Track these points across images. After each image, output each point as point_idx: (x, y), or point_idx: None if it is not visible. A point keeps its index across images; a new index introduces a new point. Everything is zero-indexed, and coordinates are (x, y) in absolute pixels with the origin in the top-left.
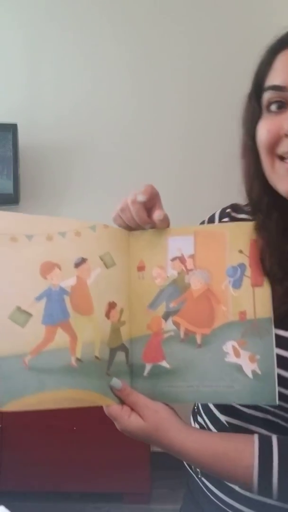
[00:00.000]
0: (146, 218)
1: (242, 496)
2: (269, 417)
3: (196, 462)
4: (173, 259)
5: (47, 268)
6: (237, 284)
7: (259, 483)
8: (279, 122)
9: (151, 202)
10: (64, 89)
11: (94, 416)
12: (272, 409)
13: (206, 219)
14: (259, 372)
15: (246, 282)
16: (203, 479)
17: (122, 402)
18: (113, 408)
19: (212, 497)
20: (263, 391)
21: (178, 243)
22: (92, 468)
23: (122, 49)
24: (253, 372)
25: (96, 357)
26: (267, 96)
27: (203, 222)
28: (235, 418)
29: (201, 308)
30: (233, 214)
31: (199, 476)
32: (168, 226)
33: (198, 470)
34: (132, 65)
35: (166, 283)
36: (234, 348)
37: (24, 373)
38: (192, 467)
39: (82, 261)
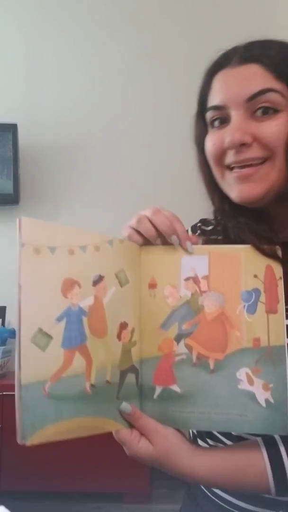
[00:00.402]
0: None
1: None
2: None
3: (208, 483)
4: (187, 279)
5: (69, 286)
6: (251, 310)
7: (276, 485)
8: (221, 136)
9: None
10: (64, 89)
11: None
12: None
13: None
14: (272, 401)
15: (261, 308)
16: None
17: (131, 426)
18: (122, 433)
19: (210, 494)
20: (275, 420)
21: (192, 263)
22: (92, 468)
23: (122, 49)
24: (266, 401)
25: (107, 382)
26: (209, 115)
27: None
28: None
29: (215, 332)
30: (203, 227)
31: None
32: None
33: None
34: (132, 66)
35: (179, 304)
36: (247, 375)
37: (44, 401)
38: None
39: (100, 279)
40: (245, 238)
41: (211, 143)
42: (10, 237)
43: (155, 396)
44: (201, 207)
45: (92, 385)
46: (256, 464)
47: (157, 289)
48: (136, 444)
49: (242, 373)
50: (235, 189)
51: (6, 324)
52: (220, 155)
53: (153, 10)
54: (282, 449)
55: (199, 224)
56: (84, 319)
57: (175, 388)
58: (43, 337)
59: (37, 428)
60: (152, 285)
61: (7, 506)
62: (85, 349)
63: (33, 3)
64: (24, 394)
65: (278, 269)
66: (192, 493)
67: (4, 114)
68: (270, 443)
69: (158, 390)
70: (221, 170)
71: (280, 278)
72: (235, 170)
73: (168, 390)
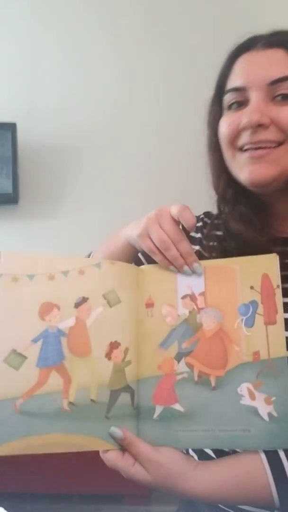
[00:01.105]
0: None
1: None
2: None
3: (212, 500)
4: (184, 297)
5: (46, 309)
6: (249, 323)
7: (280, 498)
8: (238, 118)
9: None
10: (63, 89)
11: None
12: None
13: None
14: (275, 415)
15: (259, 320)
16: None
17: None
18: (112, 457)
19: None
20: (280, 434)
21: (188, 280)
22: (93, 469)
23: (122, 50)
24: (269, 414)
25: (92, 400)
26: (228, 97)
27: None
28: None
29: (214, 348)
30: (206, 219)
31: None
32: None
33: None
34: (132, 66)
35: (178, 322)
36: (249, 390)
37: (15, 417)
38: None
39: (83, 300)
40: (235, 227)
41: (226, 124)
42: (10, 237)
43: (155, 416)
44: (201, 205)
45: (71, 403)
46: (258, 478)
47: (154, 308)
48: (130, 467)
49: (243, 388)
50: (246, 169)
51: None
52: (234, 136)
53: (149, 9)
54: (283, 455)
55: (202, 216)
56: (63, 340)
57: (178, 407)
58: (16, 357)
59: (4, 441)
60: (149, 305)
61: (6, 508)
62: (62, 368)
63: (33, 4)
64: None
65: (274, 277)
66: None
67: (3, 113)
68: (270, 453)
69: (159, 410)
70: (233, 151)
71: (278, 286)
72: (248, 151)
73: (170, 410)
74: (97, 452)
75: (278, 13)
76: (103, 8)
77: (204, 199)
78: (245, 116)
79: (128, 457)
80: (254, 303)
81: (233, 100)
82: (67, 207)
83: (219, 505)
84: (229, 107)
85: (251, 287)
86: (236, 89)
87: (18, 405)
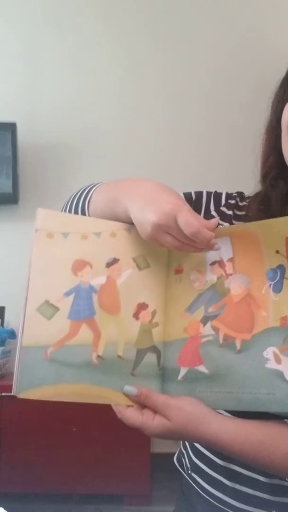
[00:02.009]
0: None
1: (231, 489)
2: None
3: (231, 452)
4: (212, 264)
5: (79, 265)
6: (277, 288)
7: None
8: None
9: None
10: (63, 89)
11: (94, 417)
12: None
13: (205, 192)
14: None
15: (287, 285)
16: (193, 474)
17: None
18: (133, 416)
19: (201, 492)
20: None
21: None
22: (92, 469)
23: (122, 50)
24: None
25: (119, 356)
26: None
27: (189, 195)
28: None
29: (241, 313)
30: (237, 199)
31: (190, 472)
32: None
33: (188, 466)
34: (132, 66)
35: (205, 288)
36: (275, 354)
37: (45, 364)
38: (184, 466)
39: (114, 261)
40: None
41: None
42: (9, 237)
43: (179, 377)
44: None
45: (99, 357)
46: (281, 444)
47: (183, 274)
48: (151, 423)
49: (269, 352)
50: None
51: (5, 325)
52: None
53: (150, 10)
54: None
55: (234, 195)
56: (94, 296)
57: (202, 368)
58: (49, 308)
59: (34, 386)
60: (179, 271)
61: (6, 508)
62: (93, 323)
63: (32, 4)
64: (23, 354)
65: None
66: (185, 495)
67: (3, 113)
68: None
69: (183, 371)
70: None
71: None
72: None
73: (194, 371)
74: (97, 452)
75: (278, 11)
76: (104, 9)
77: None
78: None
79: (148, 413)
80: (281, 267)
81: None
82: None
83: (218, 504)
84: None
85: (277, 251)
86: None
87: (49, 352)
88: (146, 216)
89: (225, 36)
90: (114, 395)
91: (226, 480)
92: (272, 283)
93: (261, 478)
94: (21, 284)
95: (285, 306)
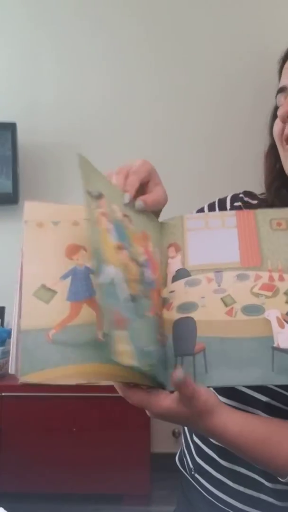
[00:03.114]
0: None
1: (232, 489)
2: (272, 402)
3: (235, 445)
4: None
5: (73, 250)
6: None
7: None
8: (281, 112)
9: (146, 178)
10: (63, 89)
11: (94, 418)
12: (277, 390)
13: (206, 206)
14: None
15: None
16: (196, 475)
17: (154, 383)
18: (140, 393)
19: (205, 493)
20: None
21: None
22: (92, 469)
23: (121, 49)
24: None
25: None
26: (277, 98)
27: (201, 210)
28: (235, 400)
29: None
30: (247, 199)
31: (193, 473)
32: (159, 204)
33: (191, 467)
34: (130, 65)
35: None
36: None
37: (48, 346)
38: (186, 466)
39: None
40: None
41: (276, 122)
42: (9, 237)
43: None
44: (199, 201)
45: (105, 334)
46: (285, 443)
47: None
48: (163, 400)
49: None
50: (285, 161)
51: (5, 325)
52: (281, 132)
53: (145, 8)
54: None
55: (241, 195)
56: (92, 276)
57: None
58: (46, 292)
59: (36, 369)
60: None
61: (6, 508)
62: (94, 302)
63: (33, 4)
64: (24, 338)
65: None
66: (186, 495)
67: (3, 113)
68: None
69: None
70: (282, 145)
71: None
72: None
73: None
74: (96, 452)
75: (279, 13)
76: (104, 9)
77: (203, 195)
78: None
79: (160, 391)
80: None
81: (280, 103)
82: None
83: (219, 504)
84: (277, 107)
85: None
86: (281, 89)
87: (51, 335)
88: None
89: (225, 37)
90: (125, 372)
91: (230, 482)
92: None
93: (266, 483)
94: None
95: None
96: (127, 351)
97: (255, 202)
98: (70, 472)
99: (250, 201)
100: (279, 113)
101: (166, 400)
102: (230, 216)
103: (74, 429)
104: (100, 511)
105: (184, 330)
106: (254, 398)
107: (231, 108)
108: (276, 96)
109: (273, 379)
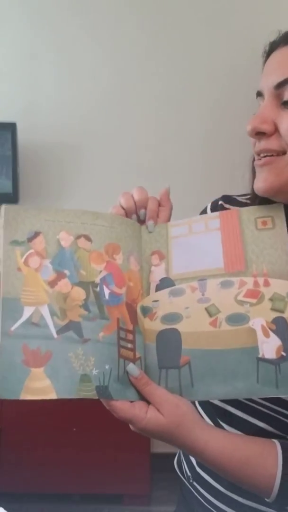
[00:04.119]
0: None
1: (231, 499)
2: (272, 413)
3: (217, 464)
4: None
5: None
6: None
7: (277, 495)
8: (248, 129)
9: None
10: (63, 89)
11: (94, 417)
12: (273, 406)
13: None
14: None
15: None
16: (194, 483)
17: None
18: (125, 407)
19: (202, 500)
20: None
21: None
22: (92, 469)
23: (121, 49)
24: None
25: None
26: (257, 103)
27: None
28: (238, 409)
29: None
30: (227, 206)
31: (191, 481)
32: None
33: (189, 475)
34: (130, 64)
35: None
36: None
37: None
38: (184, 473)
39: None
40: None
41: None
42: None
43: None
44: (200, 201)
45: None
46: (267, 466)
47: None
48: (143, 416)
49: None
50: (258, 178)
51: None
52: (254, 143)
53: (145, 8)
54: None
55: (220, 202)
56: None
57: None
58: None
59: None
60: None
61: (6, 508)
62: None
63: (33, 4)
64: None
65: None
66: (186, 499)
67: (3, 113)
68: (287, 448)
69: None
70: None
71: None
72: (258, 157)
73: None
74: (97, 452)
75: (278, 12)
76: (100, 8)
77: (204, 195)
78: (247, 124)
79: (141, 404)
80: None
81: (259, 105)
82: (67, 206)
83: (212, 509)
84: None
85: None
86: (258, 94)
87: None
88: None
89: (226, 36)
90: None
91: (228, 492)
92: None
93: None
94: None
95: None
96: (39, 387)
97: (235, 208)
98: (70, 472)
99: (231, 207)
100: (246, 127)
101: (149, 412)
102: (213, 219)
103: (74, 429)
104: (100, 511)
105: (168, 342)
106: (255, 408)
107: (231, 108)
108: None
109: (258, 392)
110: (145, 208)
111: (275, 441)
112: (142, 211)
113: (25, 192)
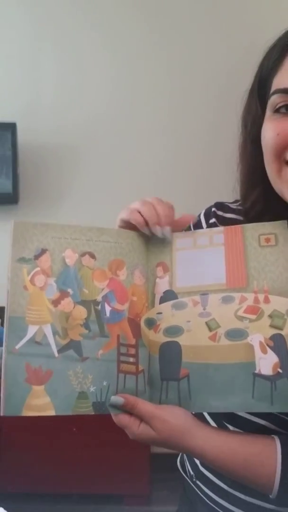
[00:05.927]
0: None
1: (235, 497)
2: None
3: (216, 465)
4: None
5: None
6: None
7: (278, 491)
8: None
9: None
10: (63, 89)
11: (94, 418)
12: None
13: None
14: None
15: None
16: (197, 482)
17: None
18: (120, 417)
19: (206, 499)
20: None
21: None
22: (92, 469)
23: (121, 48)
24: None
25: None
26: (276, 99)
27: (188, 228)
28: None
29: None
30: (220, 213)
31: (194, 480)
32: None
33: (192, 474)
34: (132, 65)
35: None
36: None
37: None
38: (187, 472)
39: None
40: None
41: (275, 132)
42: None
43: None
44: (200, 204)
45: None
46: (266, 464)
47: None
48: (136, 428)
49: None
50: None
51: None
52: (284, 148)
53: (146, 8)
54: None
55: (213, 210)
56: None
57: None
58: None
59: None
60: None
61: (6, 508)
62: None
63: (32, 4)
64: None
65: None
66: (189, 498)
67: (3, 113)
68: (286, 444)
69: None
70: (279, 164)
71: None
72: None
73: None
74: (97, 453)
75: (279, 11)
76: (102, 8)
77: (204, 196)
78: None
79: (135, 418)
80: None
81: (282, 103)
82: (67, 207)
83: (215, 507)
84: (277, 110)
85: None
86: (282, 91)
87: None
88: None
89: (226, 35)
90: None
91: (232, 489)
92: None
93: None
94: None
95: None
96: (39, 404)
97: (228, 215)
98: (70, 472)
99: (223, 214)
100: (272, 138)
101: (140, 427)
102: (218, 233)
103: (74, 429)
104: (101, 511)
105: (169, 354)
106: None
107: (232, 108)
108: (271, 95)
109: (253, 407)
110: (169, 224)
111: (275, 436)
112: (167, 229)
113: (25, 192)
